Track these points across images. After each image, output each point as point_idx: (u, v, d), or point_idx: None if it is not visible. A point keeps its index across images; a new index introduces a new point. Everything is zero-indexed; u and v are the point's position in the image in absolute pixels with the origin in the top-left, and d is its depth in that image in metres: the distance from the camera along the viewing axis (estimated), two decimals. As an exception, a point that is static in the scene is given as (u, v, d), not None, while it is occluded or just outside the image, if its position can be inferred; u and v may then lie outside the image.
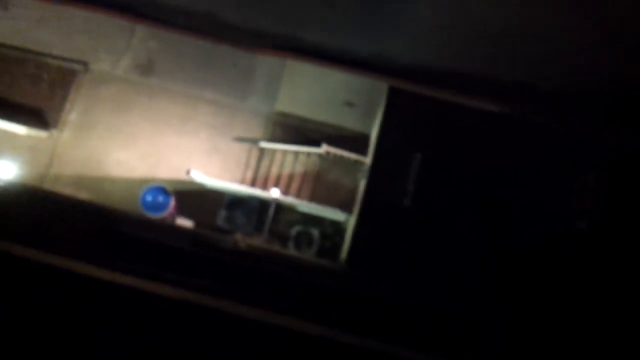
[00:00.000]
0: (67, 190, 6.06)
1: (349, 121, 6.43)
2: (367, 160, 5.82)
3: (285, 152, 6.24)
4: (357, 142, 6.24)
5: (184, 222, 5.72)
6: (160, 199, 5.61)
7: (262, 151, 6.31)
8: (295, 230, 6.12)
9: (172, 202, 5.68)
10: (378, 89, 6.17)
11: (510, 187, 5.08)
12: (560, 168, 5.11)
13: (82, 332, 1.12)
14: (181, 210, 5.91)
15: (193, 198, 6.09)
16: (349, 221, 5.79)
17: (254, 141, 6.34)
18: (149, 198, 5.61)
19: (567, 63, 5.62)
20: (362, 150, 6.07)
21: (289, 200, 5.95)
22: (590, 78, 5.49)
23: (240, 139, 6.38)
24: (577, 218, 4.95)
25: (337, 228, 6.10)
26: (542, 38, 5.63)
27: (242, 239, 5.54)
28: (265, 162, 6.28)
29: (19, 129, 6.10)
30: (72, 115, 6.43)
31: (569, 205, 5.01)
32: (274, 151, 6.27)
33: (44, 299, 1.14)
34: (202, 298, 1.19)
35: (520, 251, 4.87)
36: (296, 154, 6.22)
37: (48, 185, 6.13)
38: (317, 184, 6.20)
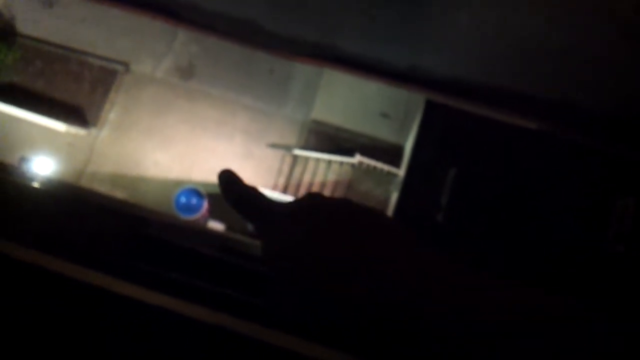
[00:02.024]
0: (102, 189, 6.17)
1: (383, 132, 6.41)
2: (401, 172, 5.79)
3: (318, 160, 6.24)
4: (390, 154, 6.22)
5: (216, 226, 5.77)
6: (194, 201, 5.67)
7: (295, 158, 6.33)
8: (324, 238, 6.09)
9: (205, 205, 5.73)
10: (414, 101, 6.14)
11: (546, 208, 5.00)
12: (599, 190, 5.01)
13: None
14: (213, 213, 5.95)
15: (225, 201, 6.13)
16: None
17: (288, 148, 6.36)
18: (183, 200, 5.68)
19: (612, 85, 5.52)
20: (396, 162, 6.05)
21: (320, 208, 5.93)
22: (636, 101, 5.39)
23: (274, 146, 6.41)
24: (615, 241, 4.85)
25: (367, 239, 6.06)
26: (587, 57, 5.55)
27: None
28: (297, 170, 6.29)
29: (59, 126, 6.21)
30: (112, 114, 6.54)
31: (605, 228, 4.92)
32: (307, 159, 6.28)
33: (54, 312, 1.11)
34: (235, 323, 1.16)
35: (554, 272, 4.80)
36: (329, 162, 6.21)
37: (84, 183, 6.25)
38: (348, 194, 6.18)
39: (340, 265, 0.43)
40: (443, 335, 0.38)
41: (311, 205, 0.50)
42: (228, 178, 0.58)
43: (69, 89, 6.68)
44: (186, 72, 6.66)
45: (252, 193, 0.57)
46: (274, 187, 6.26)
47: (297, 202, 0.52)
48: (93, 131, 6.48)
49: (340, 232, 0.45)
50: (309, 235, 0.46)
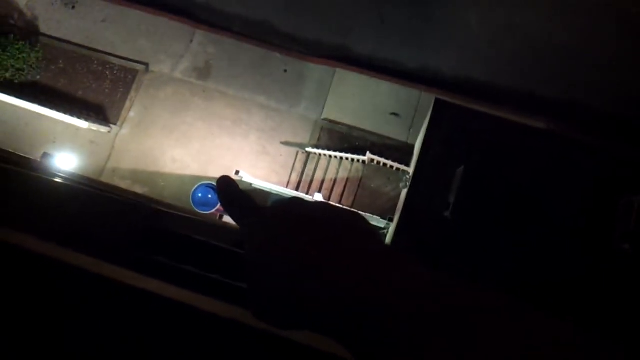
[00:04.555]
0: (123, 184, 6.37)
1: (393, 131, 6.54)
2: (410, 170, 5.88)
3: (330, 157, 6.41)
4: (400, 152, 6.34)
5: (230, 220, 5.92)
6: (210, 196, 5.86)
7: (308, 156, 6.49)
8: (335, 234, 6.17)
9: (221, 201, 5.89)
10: (424, 100, 6.28)
11: (553, 207, 5.04)
12: (604, 189, 5.04)
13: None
14: (228, 208, 6.09)
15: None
16: (389, 229, 5.85)
17: (301, 146, 6.53)
18: (200, 195, 5.87)
19: (618, 84, 5.59)
20: (405, 160, 6.16)
21: (332, 204, 6.02)
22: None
23: (288, 143, 6.58)
24: (620, 240, 4.87)
25: (377, 234, 6.14)
26: (594, 58, 5.62)
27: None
28: (310, 167, 6.44)
29: (82, 124, 6.42)
30: (132, 112, 6.77)
31: (611, 226, 4.95)
32: (319, 156, 6.44)
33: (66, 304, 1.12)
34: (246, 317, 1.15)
35: (561, 271, 4.85)
36: (340, 160, 6.36)
37: (105, 179, 6.45)
38: (359, 191, 6.31)
39: (299, 265, 0.48)
40: (385, 339, 0.40)
41: (291, 208, 0.55)
42: (225, 182, 0.63)
43: (91, 88, 6.90)
44: (203, 72, 6.85)
45: (245, 197, 0.62)
46: (287, 184, 6.42)
47: (280, 206, 0.56)
48: (114, 128, 6.70)
49: (309, 235, 0.50)
50: (282, 235, 0.51)
